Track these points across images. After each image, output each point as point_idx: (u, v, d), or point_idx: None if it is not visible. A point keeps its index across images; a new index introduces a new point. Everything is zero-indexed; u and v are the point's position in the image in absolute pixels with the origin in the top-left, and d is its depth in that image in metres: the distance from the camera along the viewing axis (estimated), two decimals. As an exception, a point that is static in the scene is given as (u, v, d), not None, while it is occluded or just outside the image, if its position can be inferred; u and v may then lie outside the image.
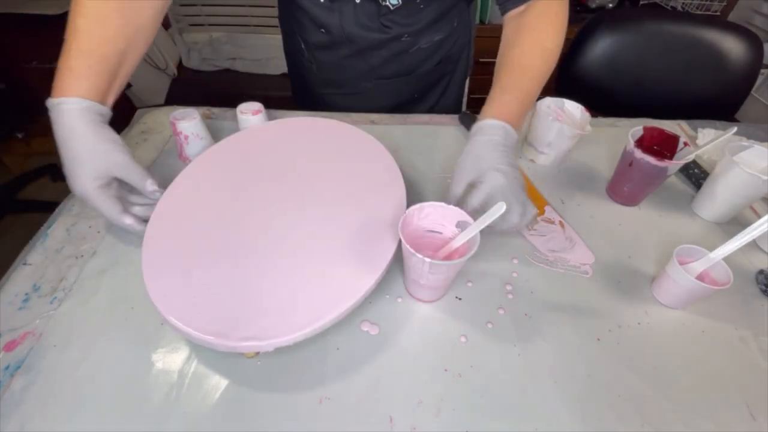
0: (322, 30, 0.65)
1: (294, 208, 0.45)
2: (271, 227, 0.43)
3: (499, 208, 0.37)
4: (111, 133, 0.43)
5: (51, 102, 0.41)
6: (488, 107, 0.47)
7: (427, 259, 0.36)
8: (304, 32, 0.68)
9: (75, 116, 0.41)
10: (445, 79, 0.78)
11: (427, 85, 0.76)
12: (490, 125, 0.45)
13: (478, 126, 0.46)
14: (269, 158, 0.51)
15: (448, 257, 0.40)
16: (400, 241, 0.38)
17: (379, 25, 0.63)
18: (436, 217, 0.42)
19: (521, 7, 0.53)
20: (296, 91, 0.86)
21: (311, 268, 0.39)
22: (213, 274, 0.38)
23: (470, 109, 0.72)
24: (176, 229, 0.43)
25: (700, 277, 0.42)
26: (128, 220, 0.43)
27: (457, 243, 0.40)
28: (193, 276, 0.38)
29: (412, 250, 0.36)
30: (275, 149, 0.53)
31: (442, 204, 0.41)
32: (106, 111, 0.44)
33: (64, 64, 0.42)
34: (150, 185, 0.44)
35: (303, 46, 0.70)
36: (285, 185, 0.48)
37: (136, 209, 0.45)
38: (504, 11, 0.55)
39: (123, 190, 0.45)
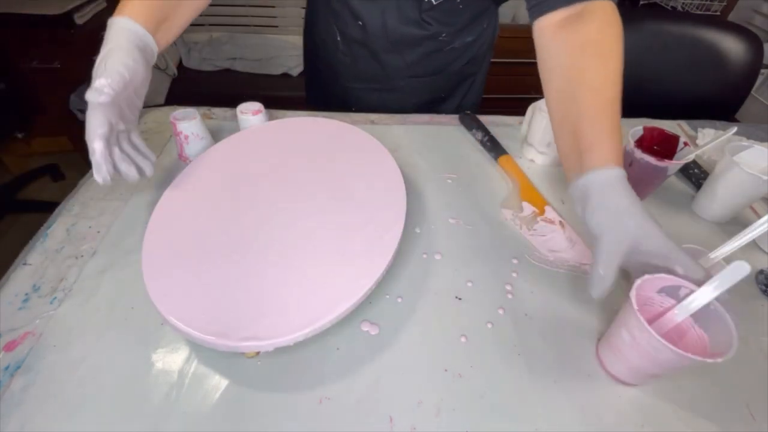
0: (359, 22, 0.65)
1: (294, 208, 0.45)
2: (271, 227, 0.43)
3: (739, 269, 0.31)
4: (144, 61, 0.42)
5: (110, 21, 0.42)
6: (606, 153, 0.39)
7: (698, 358, 0.30)
8: (342, 24, 0.68)
9: (124, 35, 0.41)
10: (470, 79, 0.79)
11: (454, 84, 0.78)
12: (622, 176, 0.38)
13: (614, 177, 0.37)
14: (269, 158, 0.51)
15: (665, 335, 0.33)
16: (397, 245, 0.37)
17: (420, 20, 0.63)
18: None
19: (564, 11, 0.45)
20: (315, 85, 0.85)
21: (311, 268, 0.39)
22: (213, 274, 0.38)
23: (483, 109, 0.72)
24: (176, 229, 0.43)
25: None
26: (98, 144, 0.38)
27: (681, 317, 0.35)
28: (193, 276, 0.38)
29: (672, 346, 0.30)
30: (275, 149, 0.53)
31: (667, 276, 0.35)
32: (152, 43, 0.44)
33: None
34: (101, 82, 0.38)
35: (339, 38, 0.70)
36: (285, 185, 0.48)
37: (120, 161, 0.41)
38: (537, 14, 0.47)
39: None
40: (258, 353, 0.38)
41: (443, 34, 0.66)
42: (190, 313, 0.35)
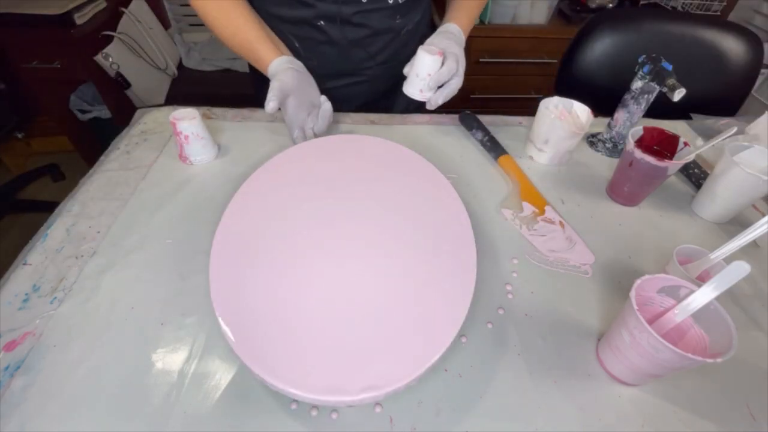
0: (321, 23, 0.65)
1: (376, 247, 0.42)
2: (351, 268, 0.40)
3: (739, 268, 0.32)
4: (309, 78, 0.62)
5: (272, 67, 0.58)
6: (457, 20, 0.66)
7: (698, 358, 0.30)
8: (300, 30, 0.68)
9: (288, 71, 0.57)
10: None
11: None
12: (457, 30, 0.65)
13: (446, 27, 0.64)
14: (338, 185, 0.48)
15: (666, 335, 0.35)
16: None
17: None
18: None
19: None
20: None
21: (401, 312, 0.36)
22: (304, 326, 0.35)
23: (483, 109, 0.72)
24: (248, 276, 0.38)
25: (701, 278, 0.42)
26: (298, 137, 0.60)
27: (681, 317, 0.35)
28: (281, 329, 0.34)
29: (672, 346, 0.30)
30: (346, 175, 0.49)
31: (666, 276, 0.36)
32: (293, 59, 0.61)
33: (254, 41, 0.60)
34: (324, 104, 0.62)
35: (298, 44, 0.70)
36: (364, 222, 0.44)
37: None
38: None
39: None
40: None
41: (398, 18, 0.69)
42: (299, 373, 0.32)
